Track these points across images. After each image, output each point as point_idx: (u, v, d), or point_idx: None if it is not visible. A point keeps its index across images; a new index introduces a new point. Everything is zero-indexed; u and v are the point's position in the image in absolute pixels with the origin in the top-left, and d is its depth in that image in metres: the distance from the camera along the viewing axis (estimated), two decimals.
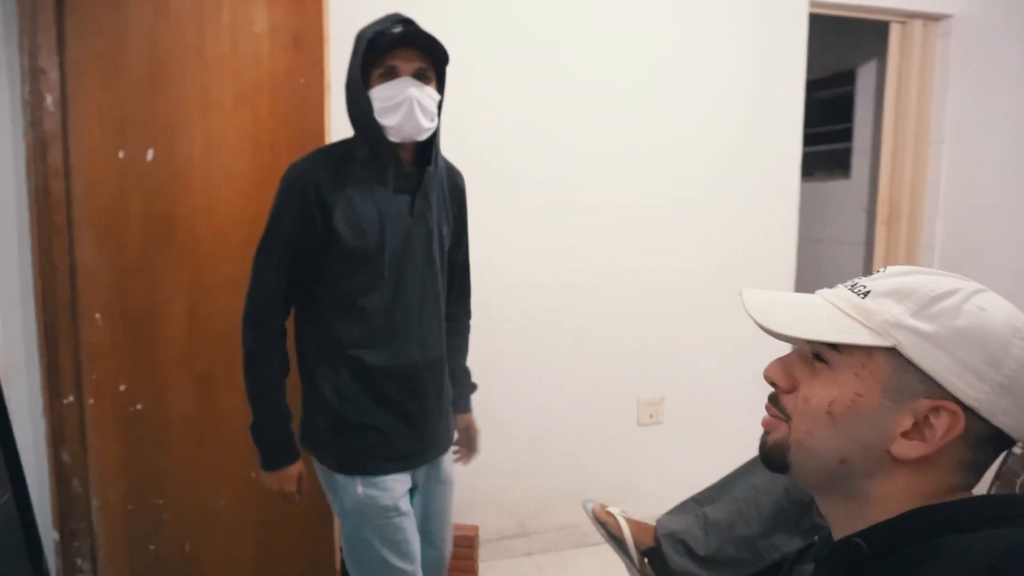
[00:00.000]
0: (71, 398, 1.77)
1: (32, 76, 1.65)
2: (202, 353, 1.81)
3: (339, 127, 1.98)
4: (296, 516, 1.84)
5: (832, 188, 3.60)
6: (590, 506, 1.54)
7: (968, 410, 0.56)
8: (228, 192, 1.75)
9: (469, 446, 1.62)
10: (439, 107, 1.31)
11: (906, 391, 0.58)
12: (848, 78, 3.45)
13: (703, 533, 1.40)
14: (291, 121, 1.73)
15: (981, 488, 0.65)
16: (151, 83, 1.70)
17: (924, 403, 0.57)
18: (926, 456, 0.57)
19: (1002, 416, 0.56)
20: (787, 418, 0.64)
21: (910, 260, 2.91)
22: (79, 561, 1.83)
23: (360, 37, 1.27)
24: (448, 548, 1.54)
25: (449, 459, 1.51)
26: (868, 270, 3.21)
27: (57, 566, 1.82)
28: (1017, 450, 1.59)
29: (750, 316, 0.64)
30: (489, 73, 2.22)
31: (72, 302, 1.74)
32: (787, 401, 0.64)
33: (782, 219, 2.66)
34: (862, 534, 0.59)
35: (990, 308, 0.58)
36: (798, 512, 1.33)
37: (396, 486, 1.34)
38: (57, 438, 1.78)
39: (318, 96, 1.70)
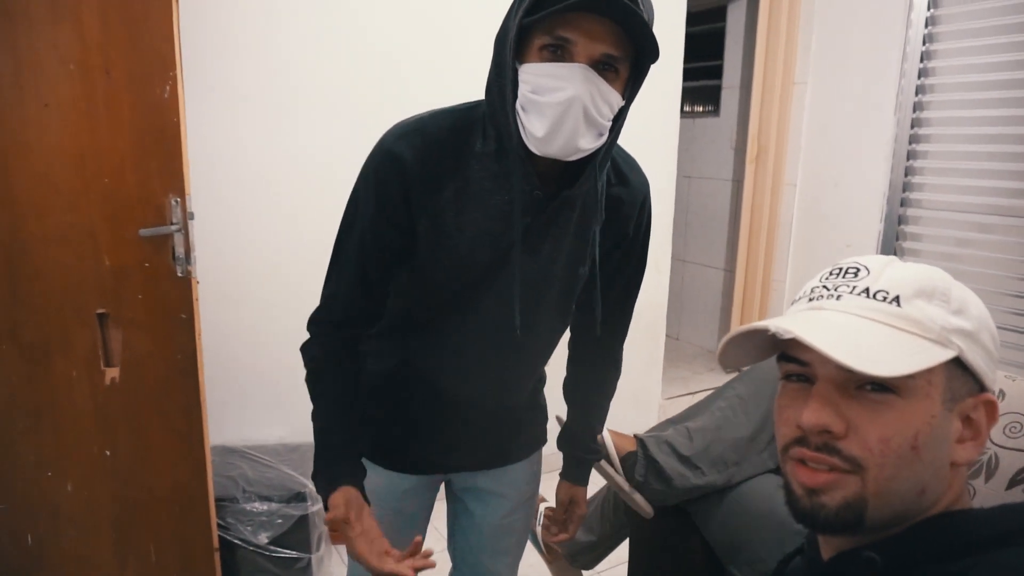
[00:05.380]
0: None
1: None
2: (29, 319, 1.52)
3: (192, 49, 1.68)
4: (164, 497, 1.63)
5: (701, 125, 3.68)
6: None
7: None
8: (50, 126, 1.43)
9: (562, 526, 1.24)
10: (617, 118, 0.87)
11: (957, 396, 0.55)
12: (719, 14, 3.49)
13: (688, 439, 1.33)
14: (128, 40, 1.43)
15: None
16: None
17: (969, 402, 0.56)
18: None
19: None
20: (858, 469, 0.54)
21: (775, 198, 3.06)
22: None
23: None
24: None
25: (509, 475, 1.19)
26: (737, 207, 3.35)
27: None
28: None
29: (830, 356, 0.51)
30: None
31: None
32: (853, 448, 0.54)
33: (662, 156, 2.67)
34: (875, 547, 0.54)
35: (965, 287, 0.58)
36: None
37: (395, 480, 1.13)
38: None
39: (163, 9, 1.41)
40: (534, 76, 0.82)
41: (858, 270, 0.58)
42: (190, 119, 1.52)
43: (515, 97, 0.84)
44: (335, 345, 1.00)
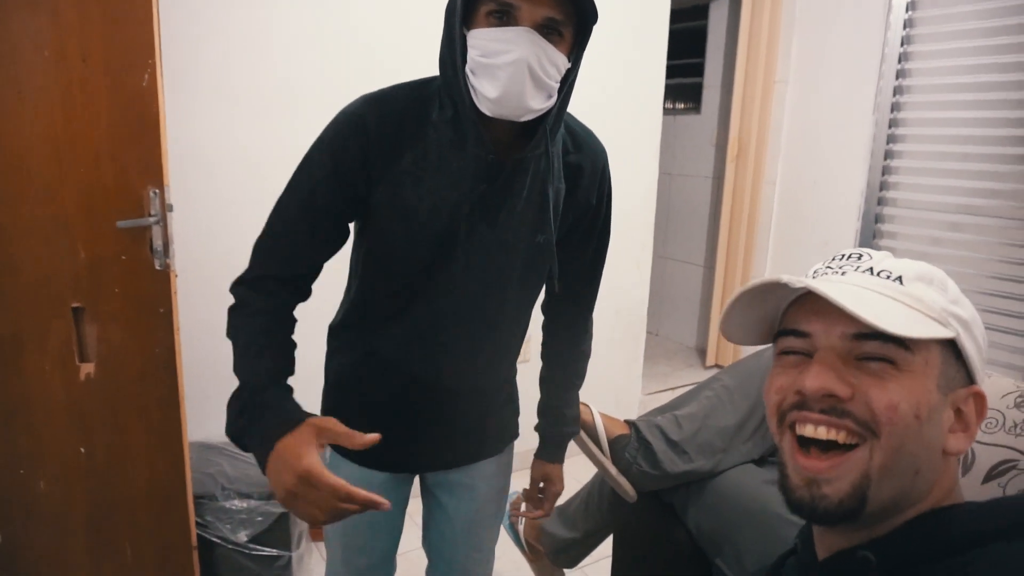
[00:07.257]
0: None
1: None
2: (1, 312, 1.48)
3: (173, 36, 1.64)
4: (141, 494, 1.60)
5: (683, 122, 3.70)
6: None
7: None
8: (24, 114, 1.39)
9: (537, 503, 1.27)
10: (565, 80, 0.91)
11: (950, 383, 0.56)
12: (701, 12, 3.50)
13: (677, 426, 1.35)
14: (106, 26, 1.39)
15: None
16: None
17: (961, 393, 0.56)
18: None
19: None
20: (870, 434, 0.53)
21: (755, 196, 3.08)
22: None
23: None
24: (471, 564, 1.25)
25: (480, 468, 1.19)
26: (717, 205, 3.38)
27: None
28: None
29: (848, 309, 0.51)
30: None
31: None
32: (861, 412, 0.53)
33: (644, 152, 2.68)
34: (870, 546, 0.54)
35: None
36: None
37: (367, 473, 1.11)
38: None
39: None
40: (481, 41, 0.86)
41: (861, 255, 0.60)
42: (170, 108, 1.49)
43: (464, 62, 0.89)
44: (279, 299, 0.98)
